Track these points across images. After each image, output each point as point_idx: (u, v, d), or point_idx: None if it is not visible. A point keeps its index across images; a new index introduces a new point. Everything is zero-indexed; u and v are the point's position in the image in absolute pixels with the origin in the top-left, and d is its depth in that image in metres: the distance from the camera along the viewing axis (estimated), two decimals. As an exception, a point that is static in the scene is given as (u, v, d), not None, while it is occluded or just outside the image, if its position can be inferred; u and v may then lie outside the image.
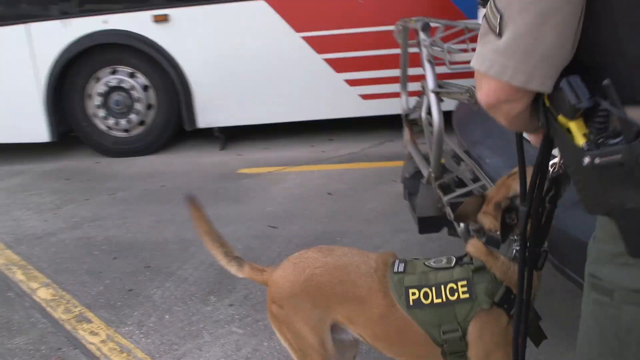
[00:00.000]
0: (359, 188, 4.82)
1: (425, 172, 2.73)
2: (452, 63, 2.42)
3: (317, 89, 5.93)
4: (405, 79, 3.32)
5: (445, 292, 1.76)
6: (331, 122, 6.20)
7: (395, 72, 5.75)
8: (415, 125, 3.25)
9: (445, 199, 2.45)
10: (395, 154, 5.64)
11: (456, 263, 1.82)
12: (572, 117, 1.00)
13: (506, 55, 1.02)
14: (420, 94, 2.76)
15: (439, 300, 1.76)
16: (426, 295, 1.77)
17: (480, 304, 1.74)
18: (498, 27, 1.02)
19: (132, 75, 6.06)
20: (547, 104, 1.04)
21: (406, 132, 3.28)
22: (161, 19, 5.79)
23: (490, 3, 1.04)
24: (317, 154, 5.84)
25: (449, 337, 1.76)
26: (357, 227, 4.05)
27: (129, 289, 3.40)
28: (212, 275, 3.48)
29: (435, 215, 2.75)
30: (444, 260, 1.85)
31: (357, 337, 1.96)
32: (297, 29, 5.73)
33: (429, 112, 2.62)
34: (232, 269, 2.06)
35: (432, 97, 2.43)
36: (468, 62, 2.46)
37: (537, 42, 0.99)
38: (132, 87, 6.06)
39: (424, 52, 2.47)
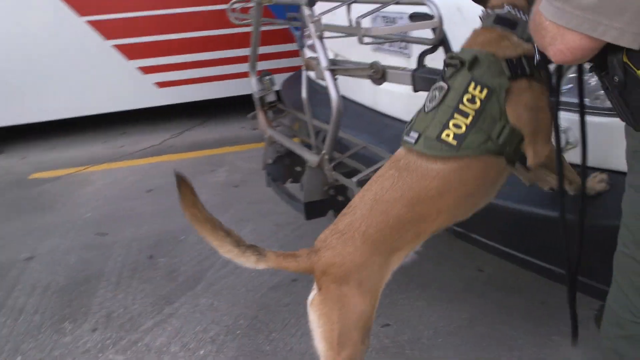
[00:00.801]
0: (179, 182, 4.49)
1: (307, 157, 2.59)
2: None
3: (106, 79, 5.42)
4: (255, 60, 3.11)
5: (467, 108, 1.63)
6: (121, 113, 5.71)
7: (195, 57, 5.55)
8: (273, 108, 3.09)
9: (354, 179, 2.35)
10: (199, 143, 5.42)
11: (444, 79, 1.70)
12: None
13: (598, 12, 1.04)
14: (301, 70, 2.60)
15: (470, 119, 1.62)
16: (457, 126, 1.62)
17: (500, 89, 1.63)
18: None
19: None
20: (626, 59, 1.08)
21: (261, 117, 3.10)
22: None
23: None
24: (115, 150, 5.33)
25: (503, 138, 1.63)
26: (197, 223, 3.76)
27: (-50, 333, 2.74)
28: (54, 299, 2.97)
29: (322, 199, 2.65)
30: (436, 92, 1.70)
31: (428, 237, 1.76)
32: (81, 12, 5.13)
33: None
34: (250, 260, 1.68)
35: (328, 75, 2.30)
36: (384, 37, 2.40)
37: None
38: None
39: (313, 29, 2.32)
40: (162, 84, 5.56)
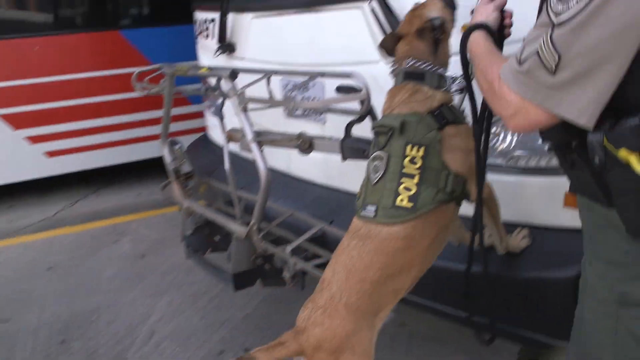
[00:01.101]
0: (81, 256, 4.29)
1: (234, 228, 2.58)
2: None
3: (-10, 151, 5.10)
4: (166, 130, 3.07)
5: (411, 169, 1.73)
6: (7, 186, 5.39)
7: (86, 124, 5.38)
8: (190, 178, 3.05)
9: (288, 248, 2.36)
10: (95, 213, 5.22)
11: (381, 148, 1.81)
12: (637, 150, 1.12)
13: (563, 91, 1.13)
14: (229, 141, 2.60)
15: (417, 179, 1.72)
16: (408, 189, 1.72)
17: (433, 142, 1.75)
18: (555, 67, 1.12)
19: None
20: (605, 141, 1.15)
21: (177, 188, 3.05)
22: None
23: (547, 44, 1.13)
24: (4, 226, 5.00)
25: (450, 185, 1.75)
26: (108, 300, 3.60)
27: None
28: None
29: (250, 268, 2.64)
30: (377, 163, 1.80)
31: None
32: (-40, 82, 4.85)
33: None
34: None
35: (255, 147, 2.32)
36: (314, 108, 2.45)
37: (593, 83, 1.11)
38: None
39: (235, 101, 2.35)
40: (52, 153, 5.33)
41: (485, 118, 1.72)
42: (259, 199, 2.38)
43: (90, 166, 5.58)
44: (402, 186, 1.73)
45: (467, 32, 1.51)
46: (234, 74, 2.36)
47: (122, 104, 5.49)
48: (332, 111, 2.37)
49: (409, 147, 1.75)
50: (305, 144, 2.29)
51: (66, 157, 5.40)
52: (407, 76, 1.86)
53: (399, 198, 1.72)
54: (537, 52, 1.14)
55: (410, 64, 1.87)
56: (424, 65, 1.86)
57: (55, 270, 4.09)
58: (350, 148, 2.18)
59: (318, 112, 2.64)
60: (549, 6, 1.14)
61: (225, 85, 2.40)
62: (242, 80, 2.42)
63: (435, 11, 1.89)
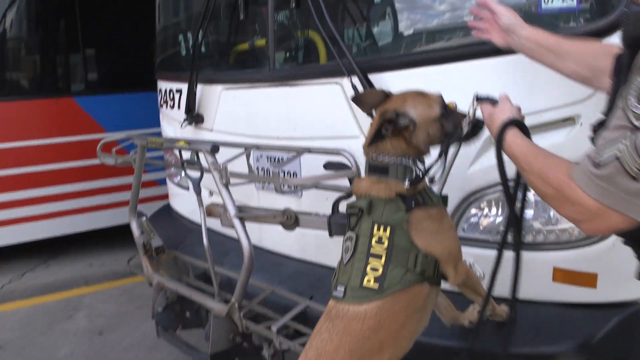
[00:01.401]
0: (33, 333, 4.07)
1: (212, 306, 2.50)
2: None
3: None
4: (135, 203, 2.98)
5: (378, 249, 1.72)
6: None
7: (33, 193, 5.19)
8: (160, 253, 2.96)
9: (274, 327, 2.29)
10: (45, 286, 5.01)
11: (354, 229, 1.79)
12: None
13: None
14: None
15: (384, 259, 1.70)
16: (375, 269, 1.70)
17: (401, 223, 1.73)
18: (639, 173, 1.08)
19: None
20: None
21: (146, 263, 2.94)
22: None
23: (630, 149, 1.09)
24: (-54, 302, 4.72)
25: (419, 266, 1.72)
26: (65, 381, 3.41)
27: None
28: None
29: (228, 347, 2.55)
30: (348, 243, 1.79)
31: None
32: None
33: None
34: None
35: (238, 223, 2.27)
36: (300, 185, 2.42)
37: None
38: None
39: (217, 176, 2.30)
40: (1, 223, 5.10)
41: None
42: (241, 276, 2.32)
43: (39, 237, 5.37)
44: (369, 266, 1.72)
45: (502, 130, 1.48)
46: (215, 149, 2.32)
47: (72, 173, 5.36)
48: (321, 188, 2.35)
49: (375, 227, 1.75)
50: (291, 220, 2.26)
51: (14, 227, 5.18)
52: (372, 169, 1.84)
53: (366, 278, 1.70)
54: (618, 157, 1.11)
55: (373, 157, 1.83)
56: (387, 159, 1.80)
57: (6, 349, 3.86)
58: (338, 224, 2.16)
59: (301, 187, 2.61)
60: (627, 108, 1.11)
61: (205, 159, 2.36)
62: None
63: (415, 111, 1.77)
